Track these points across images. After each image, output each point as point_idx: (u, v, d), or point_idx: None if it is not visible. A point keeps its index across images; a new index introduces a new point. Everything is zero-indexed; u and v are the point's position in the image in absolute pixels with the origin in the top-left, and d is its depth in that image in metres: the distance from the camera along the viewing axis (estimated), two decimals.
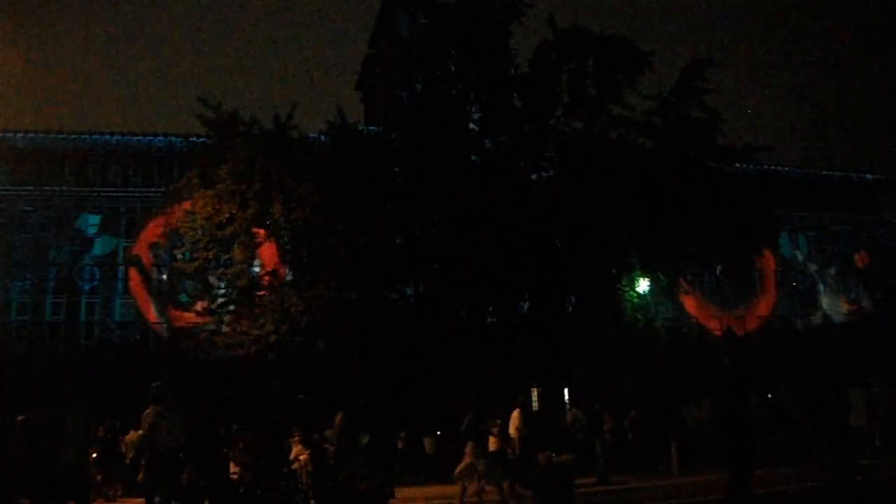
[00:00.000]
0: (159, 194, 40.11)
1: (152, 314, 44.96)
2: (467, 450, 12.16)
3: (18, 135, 46.15)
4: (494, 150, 22.08)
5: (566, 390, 24.32)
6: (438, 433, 20.04)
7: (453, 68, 22.57)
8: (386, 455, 12.39)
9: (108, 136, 48.24)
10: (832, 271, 57.94)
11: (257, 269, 23.15)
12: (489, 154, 22.11)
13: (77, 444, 9.98)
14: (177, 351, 25.87)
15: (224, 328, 21.27)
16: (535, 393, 20.47)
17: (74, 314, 45.76)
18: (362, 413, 10.62)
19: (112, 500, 14.93)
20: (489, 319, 22.03)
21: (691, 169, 20.55)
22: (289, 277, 22.23)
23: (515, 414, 14.62)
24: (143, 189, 47.03)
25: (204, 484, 10.04)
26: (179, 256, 25.58)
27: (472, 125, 22.47)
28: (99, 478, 14.52)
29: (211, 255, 21.08)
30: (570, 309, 22.25)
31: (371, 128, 28.10)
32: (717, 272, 25.84)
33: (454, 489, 12.34)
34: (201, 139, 24.36)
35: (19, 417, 10.84)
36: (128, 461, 15.52)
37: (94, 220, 47.44)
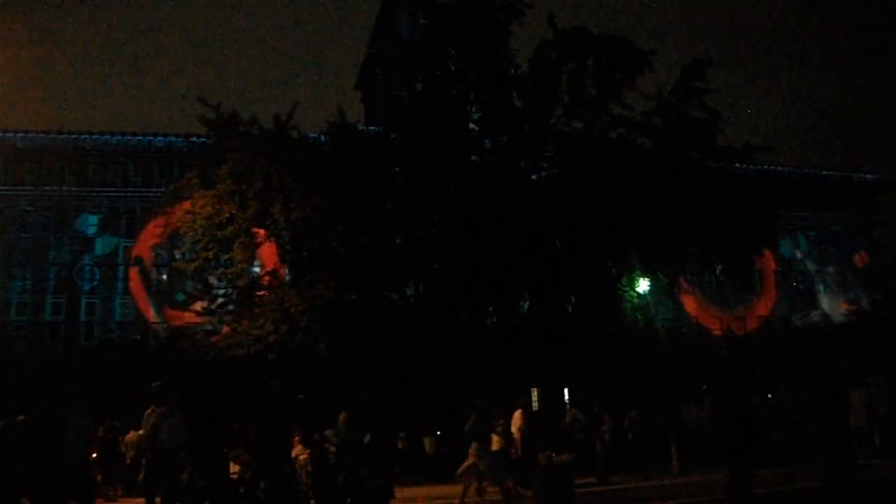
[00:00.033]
0: (159, 194, 40.14)
1: (152, 314, 44.97)
2: (471, 450, 12.16)
3: (18, 135, 46.13)
4: (494, 150, 22.10)
5: (566, 390, 24.32)
6: (438, 433, 20.05)
7: (453, 68, 22.59)
8: (386, 455, 12.41)
9: (108, 136, 48.19)
10: (832, 271, 57.95)
11: (257, 269, 23.16)
12: (489, 154, 22.13)
13: (80, 444, 9.96)
14: (175, 351, 25.82)
15: (223, 328, 21.28)
16: (535, 393, 20.48)
17: (74, 314, 45.74)
18: (366, 412, 10.64)
19: (112, 500, 14.92)
20: (489, 319, 22.03)
21: (691, 169, 20.55)
22: (289, 277, 22.23)
23: (517, 414, 14.64)
24: (143, 189, 47.01)
25: (204, 484, 10.05)
26: (178, 256, 25.60)
27: (472, 125, 22.48)
28: (99, 478, 14.52)
29: (211, 255, 21.09)
30: (570, 309, 22.25)
31: (371, 128, 28.10)
32: (717, 272, 25.84)
33: (454, 489, 12.34)
34: (201, 139, 24.39)
35: (20, 417, 10.82)
36: (128, 461, 15.53)
37: (94, 220, 47.43)
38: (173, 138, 44.85)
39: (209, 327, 21.86)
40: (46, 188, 46.49)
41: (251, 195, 20.00)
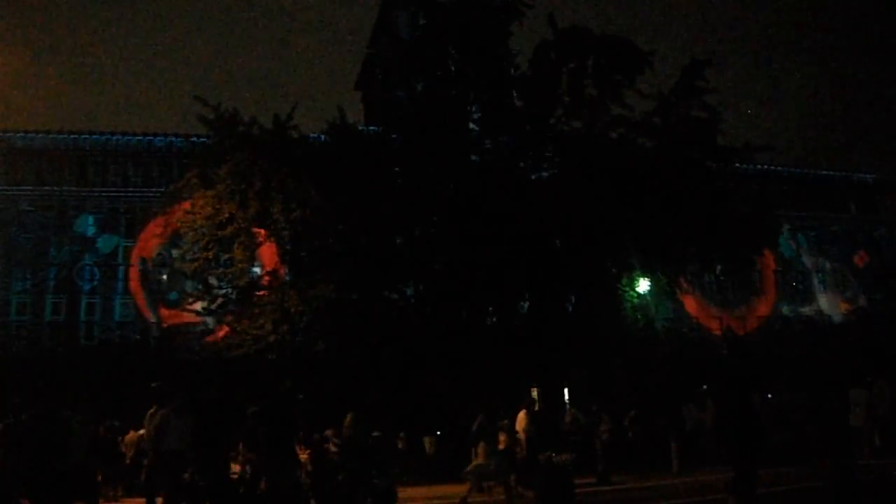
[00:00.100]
0: (159, 194, 40.14)
1: (151, 314, 45.00)
2: (479, 450, 12.16)
3: (18, 135, 46.17)
4: (494, 150, 22.08)
5: (566, 390, 24.33)
6: (438, 433, 20.05)
7: (453, 68, 22.57)
8: (387, 455, 12.43)
9: (108, 136, 48.26)
10: (831, 271, 57.98)
11: (257, 269, 23.15)
12: (489, 154, 22.11)
13: (82, 444, 9.95)
14: (172, 350, 25.85)
15: (220, 328, 21.24)
16: (535, 393, 20.50)
17: (74, 314, 45.77)
18: (371, 412, 10.65)
19: (112, 500, 14.92)
20: (489, 320, 22.03)
21: (691, 169, 20.55)
22: (289, 277, 22.22)
23: (521, 415, 14.66)
24: (143, 189, 47.05)
25: (204, 484, 10.04)
26: (178, 256, 25.58)
27: (472, 125, 22.47)
28: (99, 478, 14.52)
29: (211, 255, 21.06)
30: (570, 309, 22.24)
31: (371, 128, 28.08)
32: (717, 272, 25.83)
33: (454, 489, 12.35)
34: (201, 139, 24.35)
35: (21, 416, 10.81)
36: (128, 461, 15.52)
37: (94, 220, 47.45)
38: (173, 138, 44.88)
39: (202, 327, 21.83)
40: (46, 188, 46.52)
41: (251, 195, 19.97)
